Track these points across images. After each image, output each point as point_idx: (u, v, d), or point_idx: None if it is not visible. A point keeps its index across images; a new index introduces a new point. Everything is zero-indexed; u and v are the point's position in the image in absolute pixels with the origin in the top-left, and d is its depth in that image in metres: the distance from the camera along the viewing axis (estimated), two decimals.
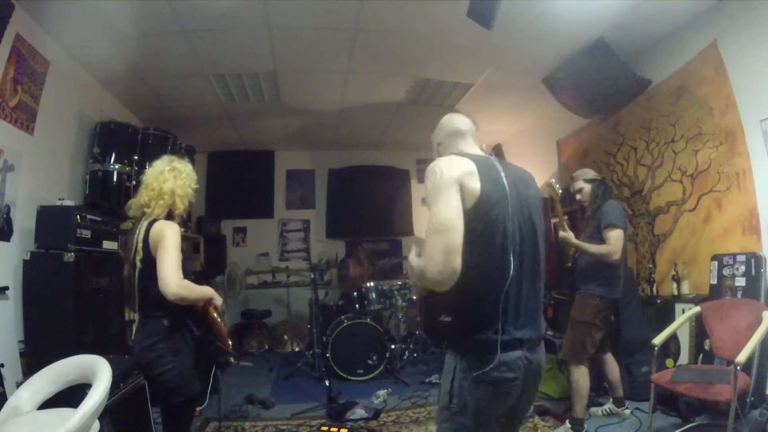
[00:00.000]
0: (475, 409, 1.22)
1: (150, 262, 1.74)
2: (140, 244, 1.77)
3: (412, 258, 1.28)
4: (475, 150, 1.43)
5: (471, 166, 1.23)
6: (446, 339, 1.31)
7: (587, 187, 2.90)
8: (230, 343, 1.95)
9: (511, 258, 1.21)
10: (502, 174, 1.28)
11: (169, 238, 1.73)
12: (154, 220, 1.81)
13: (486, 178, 1.23)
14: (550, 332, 4.11)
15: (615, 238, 2.60)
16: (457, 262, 1.13)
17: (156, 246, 1.74)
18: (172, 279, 1.67)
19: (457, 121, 1.48)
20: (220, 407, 3.19)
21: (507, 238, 1.21)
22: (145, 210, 1.85)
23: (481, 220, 1.19)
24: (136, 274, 1.77)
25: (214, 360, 2.09)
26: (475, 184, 1.20)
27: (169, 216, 1.89)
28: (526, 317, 1.24)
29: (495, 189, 1.23)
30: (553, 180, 2.60)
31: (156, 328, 1.80)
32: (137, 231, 1.80)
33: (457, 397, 1.23)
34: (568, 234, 2.70)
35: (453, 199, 1.17)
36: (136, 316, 1.86)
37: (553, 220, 4.66)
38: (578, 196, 2.96)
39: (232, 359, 2.01)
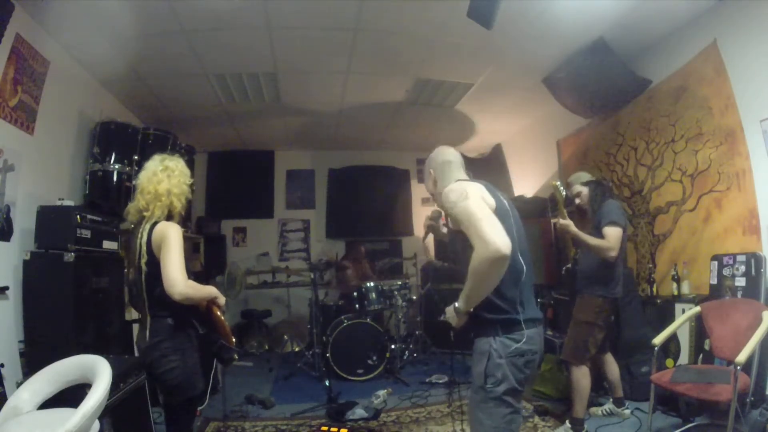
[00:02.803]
0: (509, 384, 1.42)
1: (155, 264, 1.74)
2: (144, 247, 1.77)
3: (452, 309, 1.52)
4: (465, 177, 1.68)
5: (481, 187, 1.51)
6: (477, 328, 1.52)
7: (585, 190, 2.89)
8: (233, 340, 1.97)
9: (520, 258, 1.50)
10: (500, 194, 1.57)
11: (172, 239, 1.73)
12: (156, 222, 1.81)
13: (494, 196, 1.51)
14: (549, 332, 4.11)
15: (613, 235, 2.59)
16: (506, 238, 1.34)
17: (159, 247, 1.74)
18: (178, 279, 1.68)
19: (447, 153, 1.74)
20: (223, 406, 3.21)
21: (515, 243, 1.42)
22: (144, 213, 1.85)
23: None
24: (143, 277, 1.78)
25: (217, 358, 2.10)
26: (490, 200, 1.47)
27: (169, 216, 1.89)
28: (533, 302, 1.55)
29: (502, 205, 1.51)
30: (558, 182, 2.59)
31: (160, 327, 1.81)
32: (139, 234, 1.80)
33: (492, 375, 1.43)
34: (567, 221, 2.65)
35: (479, 201, 1.42)
36: (139, 316, 1.87)
37: (554, 221, 4.66)
38: (577, 200, 2.94)
39: (235, 356, 2.02)
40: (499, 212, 1.45)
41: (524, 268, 1.49)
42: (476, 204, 1.40)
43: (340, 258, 5.73)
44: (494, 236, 1.32)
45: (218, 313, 1.92)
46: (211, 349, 1.94)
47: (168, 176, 1.89)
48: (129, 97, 4.25)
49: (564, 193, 2.60)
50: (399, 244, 6.71)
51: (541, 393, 3.44)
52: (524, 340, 1.44)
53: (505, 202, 1.55)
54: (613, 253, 2.59)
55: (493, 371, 1.43)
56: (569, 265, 4.00)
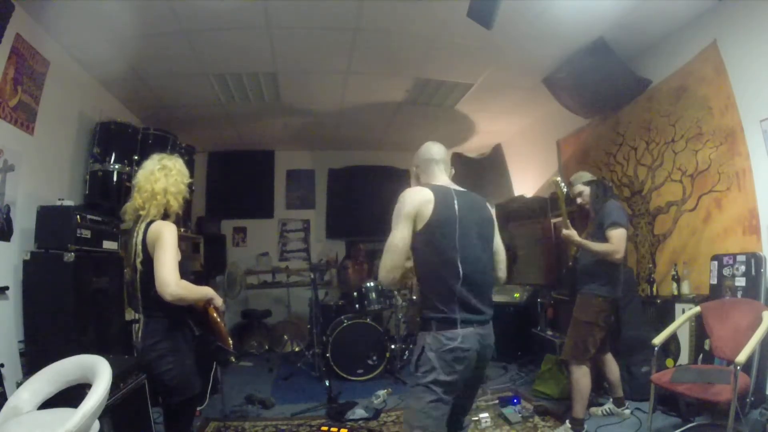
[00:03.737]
0: (437, 375, 1.55)
1: (149, 263, 1.73)
2: (139, 247, 1.76)
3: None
4: (443, 178, 1.77)
5: (429, 196, 1.61)
6: (421, 323, 1.67)
7: (587, 190, 2.89)
8: (231, 342, 1.95)
9: (459, 264, 1.59)
10: (455, 201, 1.64)
11: (165, 239, 1.72)
12: (151, 222, 1.81)
13: (441, 205, 1.61)
14: (549, 332, 4.11)
15: (618, 236, 2.59)
16: (397, 274, 1.60)
17: (153, 247, 1.74)
18: (169, 279, 1.66)
19: (433, 149, 1.80)
20: (223, 406, 3.21)
21: (455, 251, 1.59)
22: (140, 213, 1.84)
23: (433, 236, 1.59)
24: (138, 276, 1.77)
25: (215, 359, 2.10)
26: (428, 211, 1.59)
27: (165, 216, 1.88)
28: (474, 304, 1.62)
29: (447, 213, 1.61)
30: (559, 178, 2.60)
31: (157, 328, 1.80)
32: (135, 234, 1.80)
33: (423, 365, 1.57)
34: (570, 232, 2.67)
35: (405, 230, 1.60)
36: (140, 316, 1.87)
37: (554, 221, 4.66)
38: (579, 200, 2.95)
39: (232, 358, 2.01)
40: (437, 223, 1.59)
41: (461, 273, 1.59)
42: (396, 236, 1.59)
43: (341, 258, 5.73)
44: (384, 274, 1.60)
45: (214, 314, 1.90)
46: (208, 349, 1.93)
47: (165, 175, 1.88)
48: (129, 97, 4.24)
49: (565, 189, 2.61)
50: None
51: (541, 393, 3.44)
52: (456, 338, 1.56)
53: (455, 210, 1.63)
54: (619, 255, 2.60)
55: (424, 362, 1.57)
56: (570, 263, 4.00)
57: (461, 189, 1.74)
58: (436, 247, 1.60)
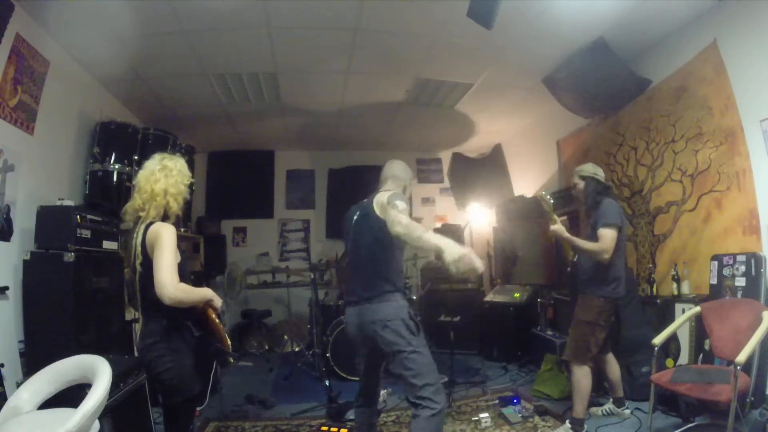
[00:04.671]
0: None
1: (149, 265, 1.73)
2: (139, 248, 1.76)
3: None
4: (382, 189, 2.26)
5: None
6: None
7: (581, 184, 2.86)
8: (229, 343, 1.95)
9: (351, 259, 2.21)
10: (353, 211, 2.26)
11: (164, 240, 1.71)
12: (151, 223, 1.80)
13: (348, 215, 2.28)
14: (550, 332, 4.11)
15: (608, 236, 2.58)
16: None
17: (152, 248, 1.73)
18: (167, 282, 1.65)
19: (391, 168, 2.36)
20: (223, 406, 3.21)
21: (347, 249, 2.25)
22: (141, 213, 1.84)
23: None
24: (137, 277, 1.78)
25: (214, 360, 2.11)
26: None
27: (165, 217, 1.87)
28: (352, 288, 2.18)
29: (346, 224, 2.27)
30: (544, 192, 2.68)
31: (156, 328, 1.80)
32: (135, 235, 1.79)
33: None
34: (557, 226, 2.68)
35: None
36: (135, 316, 1.87)
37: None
38: (573, 192, 2.97)
39: (231, 359, 2.02)
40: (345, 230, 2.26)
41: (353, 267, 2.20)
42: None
43: (340, 257, 5.72)
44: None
45: (213, 316, 1.89)
46: (207, 350, 1.93)
47: (165, 176, 1.87)
48: (129, 97, 4.24)
49: (551, 201, 2.67)
50: None
51: (541, 393, 3.44)
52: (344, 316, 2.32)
53: (353, 219, 2.22)
54: (606, 256, 2.57)
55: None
56: (569, 269, 4.00)
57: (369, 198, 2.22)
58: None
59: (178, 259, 1.77)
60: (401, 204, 1.93)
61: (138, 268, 1.76)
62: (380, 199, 2.08)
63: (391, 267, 2.10)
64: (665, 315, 3.15)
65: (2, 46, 2.60)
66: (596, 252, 2.59)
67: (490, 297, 5.03)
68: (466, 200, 6.22)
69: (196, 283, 1.89)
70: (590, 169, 2.89)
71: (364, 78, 4.18)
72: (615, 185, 3.97)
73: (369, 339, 2.06)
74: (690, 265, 3.24)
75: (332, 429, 2.88)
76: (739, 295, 2.71)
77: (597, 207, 2.71)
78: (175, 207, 1.89)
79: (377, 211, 2.07)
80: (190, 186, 2.04)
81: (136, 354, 2.50)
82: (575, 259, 2.89)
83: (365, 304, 2.05)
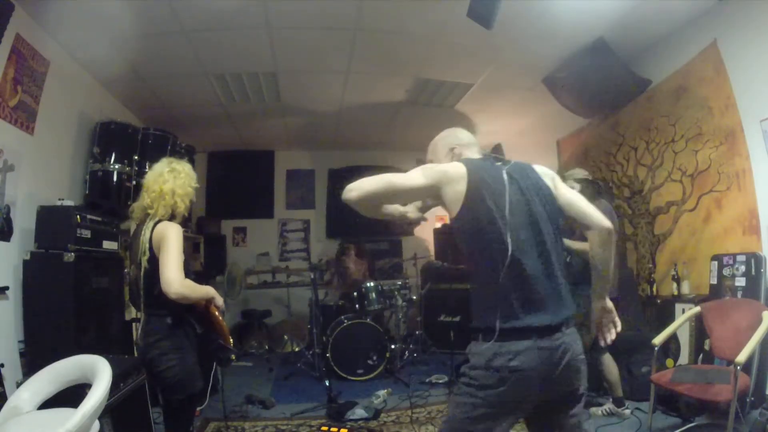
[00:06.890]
0: (483, 394, 1.17)
1: (155, 262, 1.77)
2: (146, 245, 1.81)
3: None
4: (475, 155, 1.51)
5: (462, 170, 1.30)
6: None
7: (577, 187, 2.88)
8: (231, 340, 1.99)
9: (509, 239, 1.20)
10: (498, 170, 1.33)
11: (171, 238, 1.76)
12: (159, 221, 1.85)
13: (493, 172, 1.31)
14: None
15: None
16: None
17: (159, 246, 1.77)
18: (174, 278, 1.70)
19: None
20: (223, 407, 3.20)
21: (498, 222, 1.23)
22: (149, 212, 1.89)
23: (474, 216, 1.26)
24: (142, 273, 1.81)
25: (216, 358, 2.13)
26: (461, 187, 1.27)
27: (172, 217, 1.92)
28: (535, 303, 1.19)
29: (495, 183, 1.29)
30: None
31: (159, 325, 1.83)
32: (143, 232, 1.84)
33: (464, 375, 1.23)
34: None
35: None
36: (141, 315, 1.89)
37: None
38: None
39: (233, 356, 2.04)
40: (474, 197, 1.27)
41: (507, 260, 1.17)
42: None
43: (337, 255, 5.72)
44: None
45: (216, 313, 1.95)
46: (209, 348, 1.95)
47: (174, 177, 1.93)
48: (129, 97, 4.24)
49: None
50: (399, 244, 6.70)
51: None
52: (500, 353, 1.15)
53: (506, 181, 1.31)
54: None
55: (466, 373, 1.22)
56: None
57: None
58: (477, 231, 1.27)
59: (183, 257, 1.81)
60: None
61: (144, 264, 1.80)
62: (545, 170, 1.45)
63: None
64: (665, 315, 3.15)
65: (2, 46, 2.60)
66: (584, 252, 2.60)
67: None
68: None
69: (197, 283, 1.91)
70: (583, 172, 2.97)
71: (364, 78, 4.18)
72: (615, 185, 3.98)
73: (567, 383, 1.23)
74: (690, 265, 3.24)
75: (332, 429, 2.88)
76: (739, 295, 2.72)
77: None
78: (182, 208, 1.95)
79: (549, 184, 1.41)
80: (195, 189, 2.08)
81: (136, 353, 2.50)
82: (568, 260, 2.89)
83: (565, 329, 1.22)
